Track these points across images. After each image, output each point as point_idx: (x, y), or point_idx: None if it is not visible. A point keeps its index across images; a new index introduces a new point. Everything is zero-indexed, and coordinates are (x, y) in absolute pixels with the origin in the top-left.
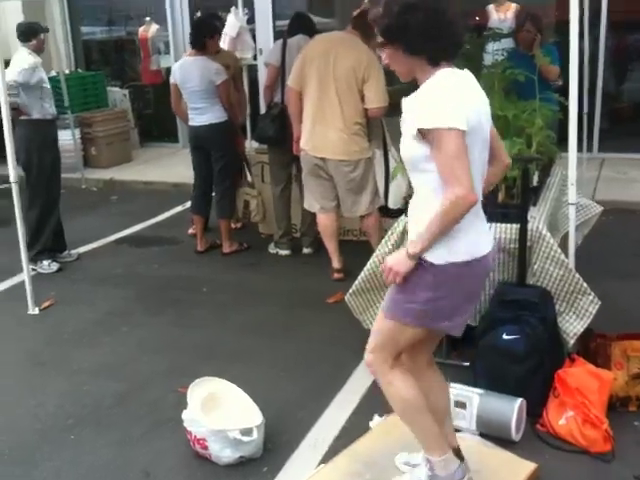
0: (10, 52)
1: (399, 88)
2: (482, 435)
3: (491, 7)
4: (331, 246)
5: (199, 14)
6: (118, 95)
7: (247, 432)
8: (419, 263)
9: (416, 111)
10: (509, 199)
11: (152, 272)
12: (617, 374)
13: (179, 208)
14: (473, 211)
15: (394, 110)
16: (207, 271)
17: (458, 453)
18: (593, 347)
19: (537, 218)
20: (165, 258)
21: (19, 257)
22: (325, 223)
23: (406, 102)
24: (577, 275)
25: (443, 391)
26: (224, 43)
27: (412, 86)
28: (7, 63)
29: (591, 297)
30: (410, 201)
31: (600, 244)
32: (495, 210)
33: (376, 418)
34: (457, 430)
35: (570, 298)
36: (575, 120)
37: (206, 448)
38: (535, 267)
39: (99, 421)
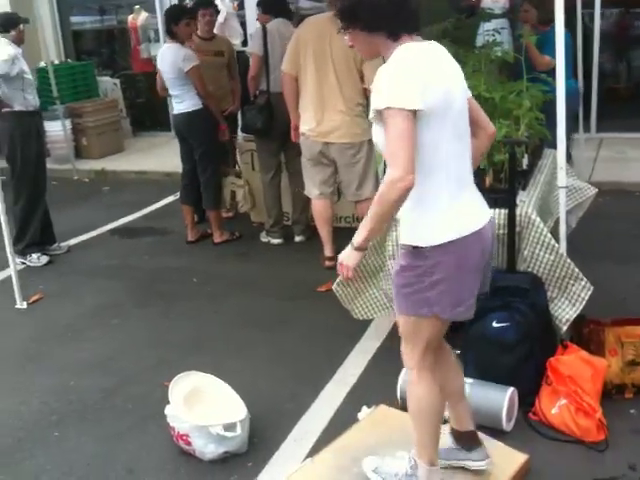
0: None
1: None
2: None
3: None
4: (324, 233)
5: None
6: (109, 84)
7: (230, 427)
8: (409, 251)
9: (374, 94)
10: (497, 183)
11: (143, 264)
12: (611, 361)
13: (171, 198)
14: (447, 192)
15: None
16: (198, 262)
17: (474, 438)
18: (586, 333)
19: (526, 202)
20: (156, 249)
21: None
22: (320, 210)
23: (372, 85)
24: (568, 260)
25: (458, 374)
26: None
27: None
28: None
29: (583, 282)
30: None
31: (597, 226)
32: (482, 195)
33: (364, 410)
34: (446, 421)
35: (562, 284)
36: (562, 101)
37: (190, 444)
38: (525, 253)
39: (84, 417)
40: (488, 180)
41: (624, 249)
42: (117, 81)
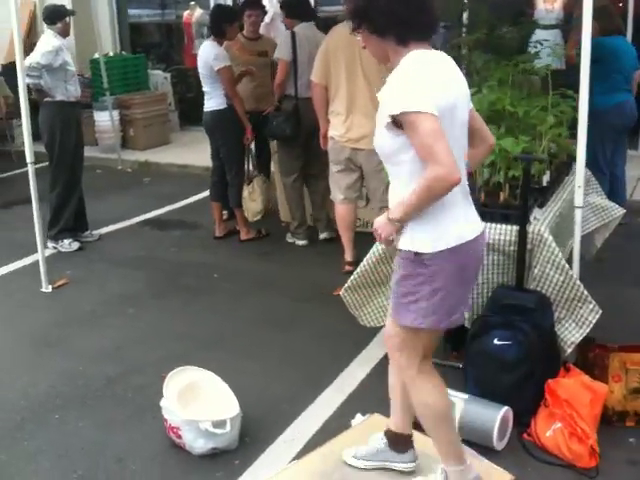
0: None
1: None
2: (464, 442)
3: None
4: (346, 238)
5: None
6: (160, 78)
7: (220, 424)
8: (410, 260)
9: (386, 100)
10: (512, 199)
11: (168, 256)
12: (614, 387)
13: (207, 192)
14: (451, 199)
15: None
16: (221, 258)
17: (409, 442)
18: (591, 357)
19: (540, 220)
20: (183, 243)
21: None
22: (343, 214)
23: (380, 94)
24: (578, 282)
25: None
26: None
27: None
28: None
29: (591, 305)
30: (389, 188)
31: (630, 248)
32: (496, 211)
33: (358, 417)
34: None
35: (570, 305)
36: (585, 117)
37: (180, 437)
38: (535, 271)
39: (85, 403)
40: (503, 195)
41: None
42: (168, 75)
